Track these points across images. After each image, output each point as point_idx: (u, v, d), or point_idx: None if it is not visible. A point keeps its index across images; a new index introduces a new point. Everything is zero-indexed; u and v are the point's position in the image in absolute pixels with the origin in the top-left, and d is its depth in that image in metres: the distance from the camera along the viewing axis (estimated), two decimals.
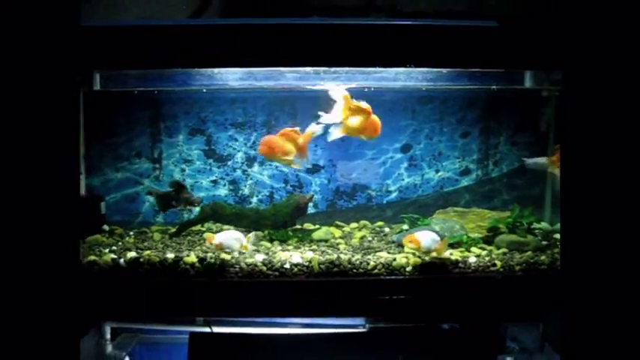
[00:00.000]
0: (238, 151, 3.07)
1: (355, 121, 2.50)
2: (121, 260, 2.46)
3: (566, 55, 2.31)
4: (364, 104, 2.48)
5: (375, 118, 2.51)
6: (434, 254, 2.44)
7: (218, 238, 2.44)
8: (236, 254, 2.48)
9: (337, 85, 2.51)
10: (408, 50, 2.32)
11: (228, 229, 2.73)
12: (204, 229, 2.93)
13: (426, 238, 2.43)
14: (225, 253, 2.47)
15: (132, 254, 2.51)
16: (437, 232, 2.54)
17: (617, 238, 2.32)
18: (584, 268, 2.33)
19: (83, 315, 2.53)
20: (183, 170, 3.08)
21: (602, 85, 2.30)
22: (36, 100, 2.23)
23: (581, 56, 2.30)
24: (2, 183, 2.23)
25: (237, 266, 2.41)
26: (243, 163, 3.08)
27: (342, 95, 2.47)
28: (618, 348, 2.31)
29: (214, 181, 3.10)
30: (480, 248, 2.64)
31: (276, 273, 2.41)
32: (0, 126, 2.22)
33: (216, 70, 2.53)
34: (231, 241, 2.46)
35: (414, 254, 2.49)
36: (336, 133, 2.52)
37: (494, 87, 2.66)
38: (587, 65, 2.30)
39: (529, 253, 2.58)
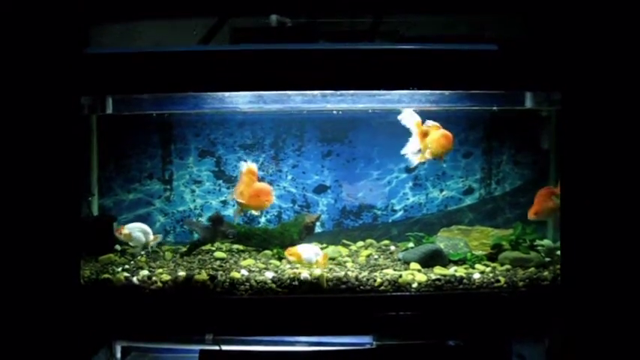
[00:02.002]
0: None
1: (431, 143, 2.58)
2: (134, 278, 2.52)
3: (564, 77, 2.39)
4: (431, 123, 2.58)
5: (444, 132, 2.58)
6: (315, 267, 2.52)
7: (127, 229, 2.61)
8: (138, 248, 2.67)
9: (407, 109, 2.60)
10: (412, 73, 2.40)
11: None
12: (214, 248, 2.99)
13: (306, 251, 2.53)
14: (131, 245, 2.63)
15: (144, 272, 2.58)
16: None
17: (616, 253, 2.37)
18: (583, 283, 2.38)
19: (93, 334, 2.59)
20: (193, 191, 3.15)
21: (599, 104, 2.37)
22: (41, 124, 2.31)
23: (578, 77, 2.38)
24: (8, 205, 2.32)
25: (248, 284, 2.47)
26: None
27: (414, 123, 2.57)
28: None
29: (224, 202, 3.17)
30: (484, 265, 2.70)
31: (286, 290, 2.47)
32: (4, 149, 2.31)
33: (226, 93, 2.62)
34: (138, 233, 2.60)
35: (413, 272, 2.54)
36: (415, 160, 2.63)
37: (495, 108, 2.73)
38: (584, 86, 2.38)
39: (532, 269, 2.63)
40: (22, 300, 2.34)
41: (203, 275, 2.51)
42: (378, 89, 2.52)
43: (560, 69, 2.40)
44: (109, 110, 2.77)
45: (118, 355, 2.94)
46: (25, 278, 2.34)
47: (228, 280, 2.49)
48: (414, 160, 2.63)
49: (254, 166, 2.73)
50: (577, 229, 2.41)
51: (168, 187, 3.14)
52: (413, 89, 2.45)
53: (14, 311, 2.34)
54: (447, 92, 2.56)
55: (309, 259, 2.52)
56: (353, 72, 2.40)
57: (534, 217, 2.70)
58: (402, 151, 2.62)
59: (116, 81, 2.43)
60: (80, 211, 2.57)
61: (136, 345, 2.99)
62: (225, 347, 2.80)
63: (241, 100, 2.72)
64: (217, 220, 2.90)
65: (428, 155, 2.60)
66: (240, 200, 2.68)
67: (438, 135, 2.58)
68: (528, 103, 2.75)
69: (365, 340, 2.83)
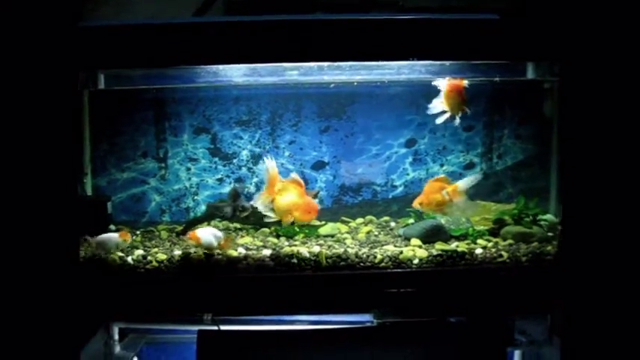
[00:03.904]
0: (243, 149, 3.08)
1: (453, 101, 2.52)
2: (129, 258, 2.47)
3: (566, 47, 2.33)
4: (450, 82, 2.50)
5: (453, 82, 2.51)
6: (218, 250, 2.46)
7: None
8: None
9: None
10: (411, 44, 2.33)
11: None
12: (211, 227, 2.94)
13: (205, 234, 2.45)
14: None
15: (139, 252, 2.53)
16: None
17: (618, 228, 2.32)
18: (584, 259, 2.34)
19: (91, 315, 2.55)
20: (188, 169, 3.09)
21: (601, 75, 2.31)
22: (36, 100, 2.25)
23: (581, 47, 2.32)
24: (2, 184, 2.26)
25: (245, 262, 2.43)
26: (248, 160, 3.10)
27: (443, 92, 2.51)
28: (618, 336, 2.32)
29: (220, 179, 3.11)
30: (486, 240, 2.65)
31: (284, 268, 2.42)
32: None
33: (220, 67, 2.54)
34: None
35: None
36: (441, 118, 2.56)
37: (497, 79, 2.66)
38: (586, 56, 2.32)
39: (535, 243, 2.58)
40: (20, 284, 2.29)
41: (199, 254, 2.46)
42: (377, 60, 2.45)
43: (560, 39, 2.34)
44: (101, 85, 2.70)
45: (116, 336, 2.90)
46: (21, 260, 2.29)
47: (225, 259, 2.44)
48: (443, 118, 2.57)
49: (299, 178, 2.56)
50: (578, 203, 2.37)
51: (163, 165, 3.08)
52: (413, 60, 2.38)
53: (11, 296, 2.29)
54: (447, 63, 2.49)
55: (209, 243, 2.45)
56: (351, 43, 2.32)
57: (418, 207, 2.60)
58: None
59: (114, 54, 2.34)
60: (78, 189, 2.51)
61: (134, 326, 2.96)
62: (224, 327, 2.78)
63: (236, 74, 2.66)
64: (236, 195, 2.87)
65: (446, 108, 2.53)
66: (287, 214, 2.51)
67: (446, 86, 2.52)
68: (530, 74, 2.69)
69: (365, 319, 2.80)
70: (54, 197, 2.30)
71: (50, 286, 2.31)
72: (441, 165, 3.13)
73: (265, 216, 2.64)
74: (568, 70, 2.36)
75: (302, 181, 2.55)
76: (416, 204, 2.60)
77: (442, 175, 2.64)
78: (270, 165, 2.52)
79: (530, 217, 2.74)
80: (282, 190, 2.53)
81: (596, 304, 2.37)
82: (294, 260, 2.44)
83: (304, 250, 2.48)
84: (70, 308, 2.34)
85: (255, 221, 2.88)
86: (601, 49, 2.31)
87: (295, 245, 2.59)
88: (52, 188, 2.29)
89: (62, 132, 2.30)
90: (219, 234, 2.48)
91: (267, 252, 2.49)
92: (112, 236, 2.53)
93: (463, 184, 2.56)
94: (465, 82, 2.50)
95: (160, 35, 2.32)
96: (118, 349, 2.89)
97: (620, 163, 2.33)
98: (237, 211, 2.87)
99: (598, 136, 2.34)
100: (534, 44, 2.38)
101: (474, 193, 3.07)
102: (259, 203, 2.52)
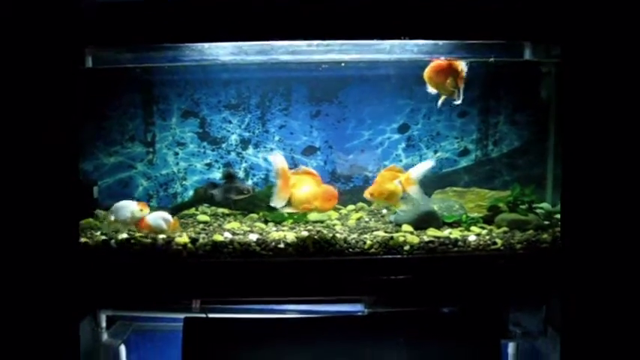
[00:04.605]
0: (232, 133, 3.02)
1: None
2: (112, 241, 2.41)
3: (564, 28, 2.26)
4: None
5: (436, 63, 2.48)
6: (168, 233, 2.44)
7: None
8: None
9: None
10: (403, 22, 2.26)
11: None
12: (198, 212, 2.88)
13: (154, 218, 2.44)
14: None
15: (123, 236, 2.46)
16: None
17: (617, 217, 2.26)
18: (582, 248, 2.27)
19: (78, 302, 2.49)
20: (176, 154, 3.03)
21: (605, 57, 2.23)
22: (33, 81, 2.18)
23: (580, 29, 2.24)
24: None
25: (231, 246, 2.36)
26: (237, 145, 3.03)
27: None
28: (618, 328, 2.25)
29: (208, 164, 3.05)
30: (480, 227, 2.58)
31: (270, 253, 2.36)
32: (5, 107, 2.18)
33: (206, 45, 2.47)
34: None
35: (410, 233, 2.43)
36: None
37: (492, 59, 2.58)
38: (586, 38, 2.24)
39: (530, 231, 2.51)
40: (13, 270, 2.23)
41: (184, 238, 2.40)
42: (368, 39, 2.38)
43: (559, 19, 2.26)
44: (89, 64, 2.63)
45: (103, 324, 2.86)
46: (18, 243, 2.23)
47: (210, 243, 2.38)
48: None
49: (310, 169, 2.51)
50: (578, 191, 2.30)
51: (151, 149, 3.02)
52: (404, 39, 2.30)
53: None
54: (440, 42, 2.41)
55: (159, 226, 2.43)
56: (341, 21, 2.25)
57: (370, 198, 2.49)
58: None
59: (123, 31, 2.26)
60: (79, 171, 2.45)
61: (121, 314, 2.91)
62: (212, 315, 2.73)
63: (230, 53, 2.58)
64: (230, 177, 2.82)
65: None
66: (305, 205, 2.43)
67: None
68: (527, 56, 2.62)
69: (356, 309, 2.74)
70: (51, 182, 2.23)
71: (36, 271, 2.26)
72: (435, 151, 3.06)
73: (254, 201, 2.60)
74: (570, 52, 2.28)
75: (315, 172, 2.47)
76: (367, 195, 2.49)
77: (393, 165, 2.58)
78: (278, 160, 2.43)
79: (526, 205, 2.67)
80: (298, 182, 2.45)
81: (595, 295, 2.30)
82: (281, 245, 2.37)
83: (291, 235, 2.42)
84: (57, 293, 2.29)
85: (244, 206, 2.83)
86: (605, 29, 2.23)
87: (283, 230, 2.52)
88: (49, 172, 2.23)
89: (68, 113, 2.23)
90: (168, 217, 2.46)
91: (253, 237, 2.42)
92: (130, 203, 2.49)
93: (416, 172, 2.48)
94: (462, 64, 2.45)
95: (152, 11, 2.24)
96: (105, 336, 2.84)
97: (621, 151, 2.26)
98: (232, 193, 2.80)
99: (599, 121, 2.26)
100: (530, 24, 2.31)
101: (469, 181, 3.04)
102: (276, 201, 2.43)
